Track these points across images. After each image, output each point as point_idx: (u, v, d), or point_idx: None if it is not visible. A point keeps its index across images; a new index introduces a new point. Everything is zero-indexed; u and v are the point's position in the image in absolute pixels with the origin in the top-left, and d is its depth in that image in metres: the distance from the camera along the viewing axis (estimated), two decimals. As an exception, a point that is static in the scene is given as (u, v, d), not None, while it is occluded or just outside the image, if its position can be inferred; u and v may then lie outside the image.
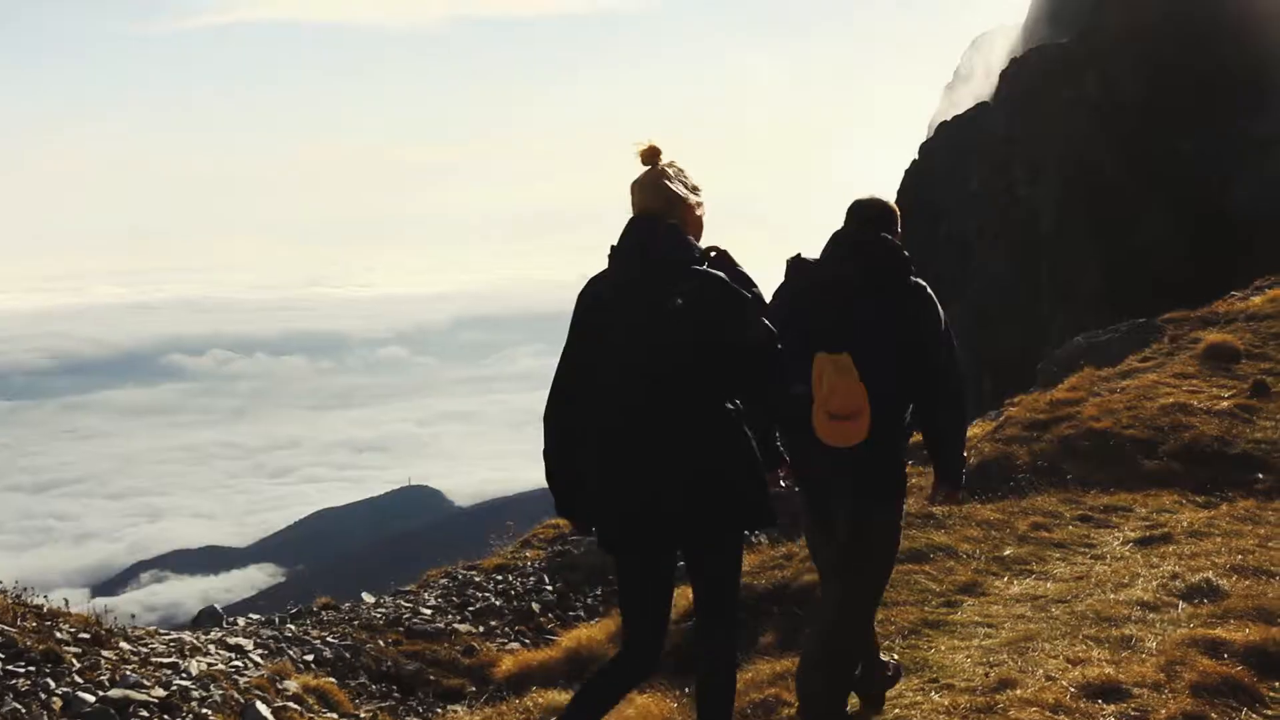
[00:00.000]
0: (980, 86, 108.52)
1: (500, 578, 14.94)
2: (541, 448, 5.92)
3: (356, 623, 13.39)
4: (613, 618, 12.32)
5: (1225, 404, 15.45)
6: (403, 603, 14.18)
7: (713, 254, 5.86)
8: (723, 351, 5.58)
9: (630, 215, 5.85)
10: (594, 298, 5.81)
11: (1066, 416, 15.22)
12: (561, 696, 10.70)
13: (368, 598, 14.47)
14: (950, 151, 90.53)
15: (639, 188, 5.84)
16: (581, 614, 14.04)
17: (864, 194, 6.89)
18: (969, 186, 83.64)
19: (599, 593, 14.46)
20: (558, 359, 5.95)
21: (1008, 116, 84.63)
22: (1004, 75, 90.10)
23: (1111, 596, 9.14)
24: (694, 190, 5.90)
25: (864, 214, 6.75)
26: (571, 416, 5.84)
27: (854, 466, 6.45)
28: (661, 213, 5.77)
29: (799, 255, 6.81)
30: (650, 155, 5.84)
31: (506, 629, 13.73)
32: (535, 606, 14.13)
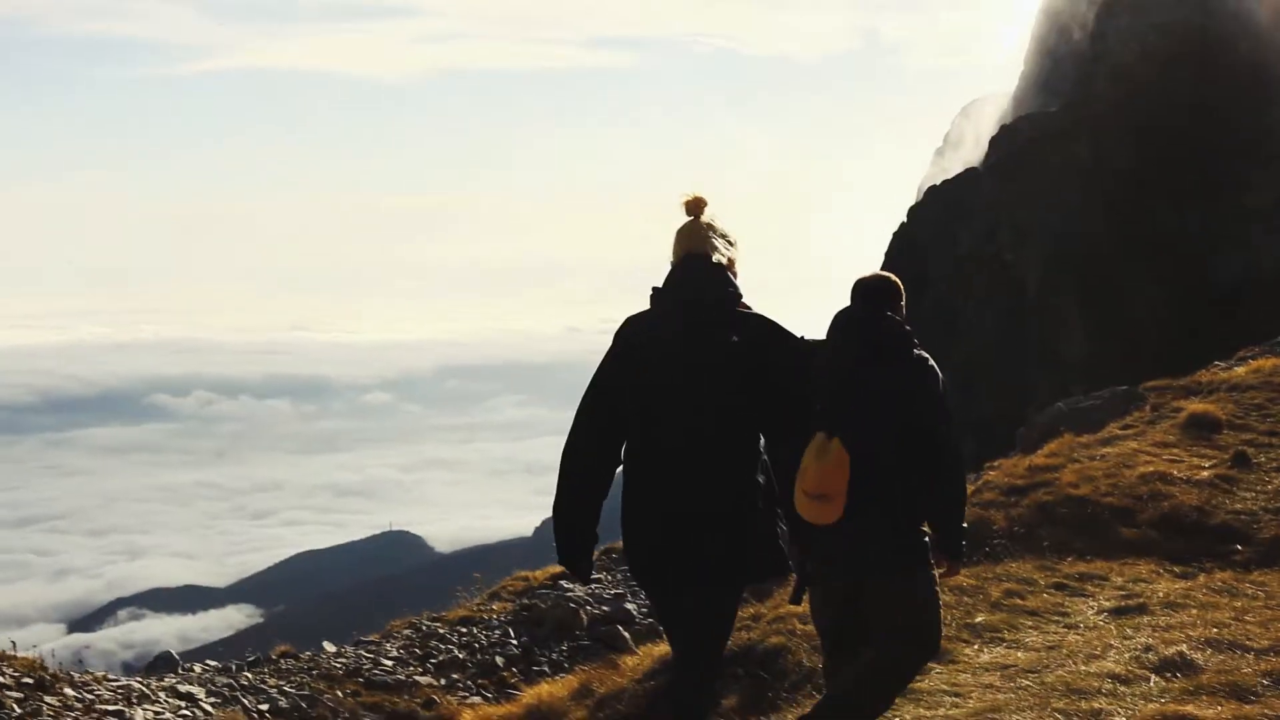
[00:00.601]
0: (970, 153, 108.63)
1: (465, 630, 14.69)
2: (556, 490, 6.10)
3: (315, 672, 13.13)
4: (576, 675, 12.09)
5: (1206, 474, 15.26)
6: (364, 653, 13.92)
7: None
8: (767, 390, 5.93)
9: (673, 260, 6.18)
10: (639, 335, 6.05)
11: (1045, 482, 15.01)
12: (518, 755, 10.48)
13: (329, 647, 14.21)
14: (938, 216, 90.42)
15: (685, 235, 6.18)
16: (546, 669, 13.78)
17: (867, 271, 6.97)
18: (956, 250, 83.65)
19: (565, 648, 14.22)
20: (579, 402, 6.15)
21: (996, 182, 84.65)
22: (993, 141, 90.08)
23: (1082, 668, 8.93)
24: (732, 243, 6.28)
25: (868, 290, 6.83)
26: (597, 455, 6.04)
27: (856, 540, 6.46)
28: (706, 255, 6.11)
29: (803, 337, 6.76)
30: (695, 206, 6.19)
31: (469, 682, 13.49)
32: (499, 660, 13.89)
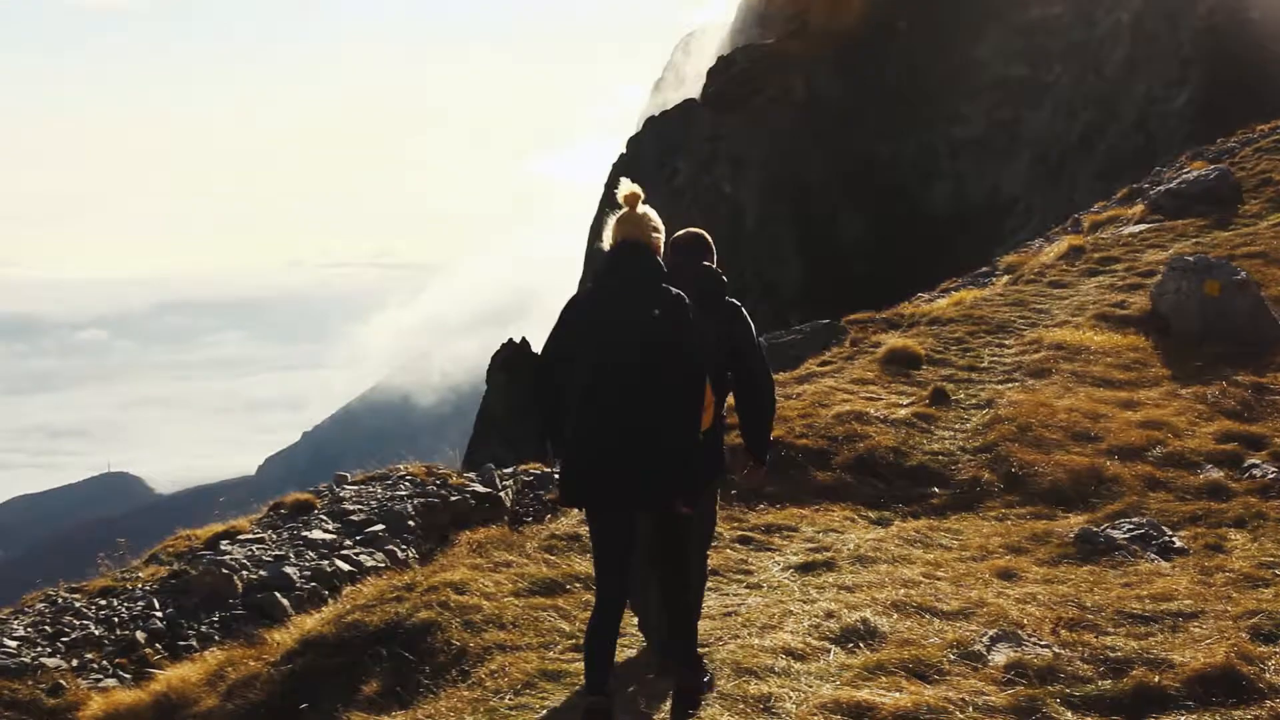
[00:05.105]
0: (690, 85, 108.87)
1: (104, 602, 13.23)
2: (540, 413, 7.33)
3: (-74, 656, 11.60)
4: (212, 656, 10.85)
5: (904, 413, 14.65)
6: (-14, 633, 12.39)
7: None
8: (678, 351, 7.01)
9: (612, 243, 7.30)
10: (588, 305, 7.23)
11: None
12: (136, 750, 9.25)
13: (-51, 626, 12.63)
14: (657, 147, 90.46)
15: (624, 223, 7.29)
16: (194, 644, 12.43)
17: (681, 230, 8.14)
18: (675, 181, 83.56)
19: (216, 619, 12.87)
20: (536, 365, 7.41)
21: (714, 114, 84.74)
22: (711, 73, 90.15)
23: (756, 641, 8.04)
24: (659, 230, 7.39)
25: (685, 246, 8.04)
26: (559, 396, 7.18)
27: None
28: (641, 243, 7.24)
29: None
30: (632, 199, 7.29)
31: (105, 663, 12.10)
32: (140, 636, 12.48)
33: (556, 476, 7.73)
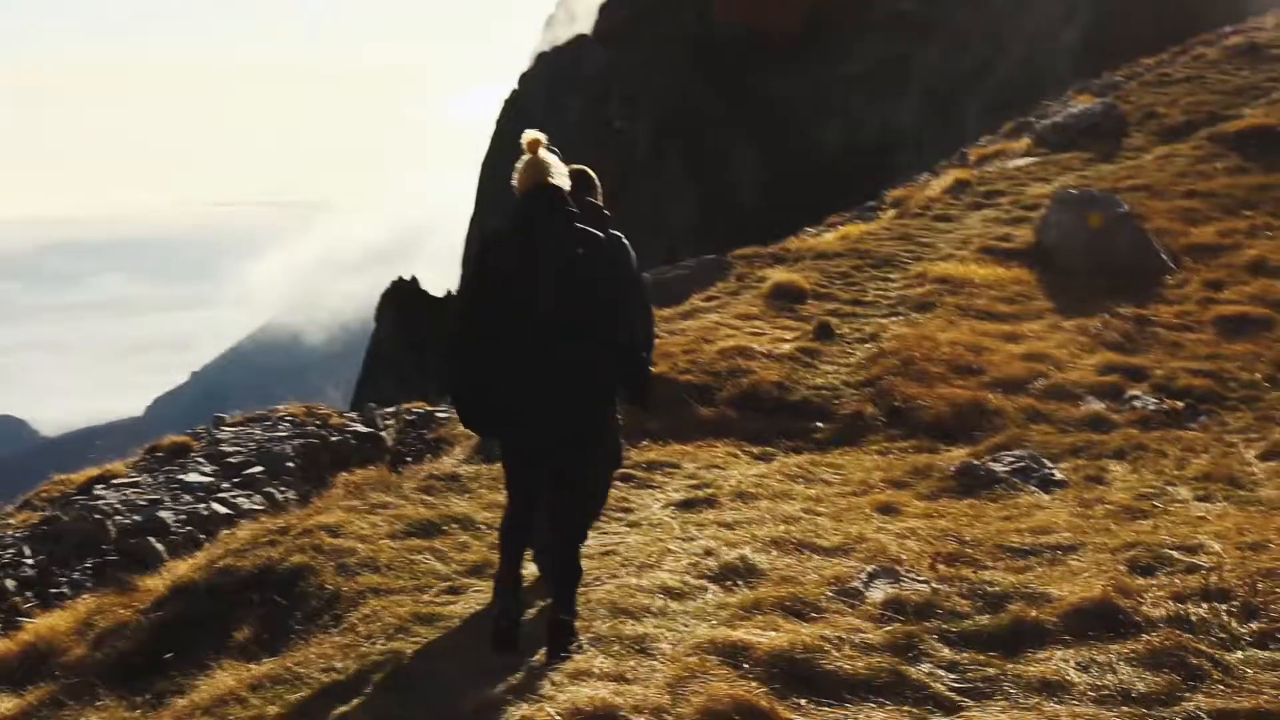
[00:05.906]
0: (582, 21, 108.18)
1: (-28, 550, 12.87)
2: (450, 371, 7.24)
3: None
4: (81, 604, 10.57)
5: (788, 347, 14.58)
6: None
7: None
8: (594, 289, 7.06)
9: (520, 189, 7.24)
10: (500, 254, 7.14)
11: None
12: (3, 704, 9.00)
13: None
14: (549, 83, 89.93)
15: (529, 169, 7.23)
16: (66, 591, 12.13)
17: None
18: (567, 118, 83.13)
19: (88, 566, 12.57)
20: (456, 308, 7.49)
21: (607, 50, 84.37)
22: (604, 9, 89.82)
23: (634, 581, 7.91)
24: (564, 173, 7.34)
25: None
26: (481, 345, 7.05)
27: None
28: (551, 185, 7.18)
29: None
30: (534, 145, 7.25)
31: (-28, 612, 11.75)
32: (9, 584, 12.17)
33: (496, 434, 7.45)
